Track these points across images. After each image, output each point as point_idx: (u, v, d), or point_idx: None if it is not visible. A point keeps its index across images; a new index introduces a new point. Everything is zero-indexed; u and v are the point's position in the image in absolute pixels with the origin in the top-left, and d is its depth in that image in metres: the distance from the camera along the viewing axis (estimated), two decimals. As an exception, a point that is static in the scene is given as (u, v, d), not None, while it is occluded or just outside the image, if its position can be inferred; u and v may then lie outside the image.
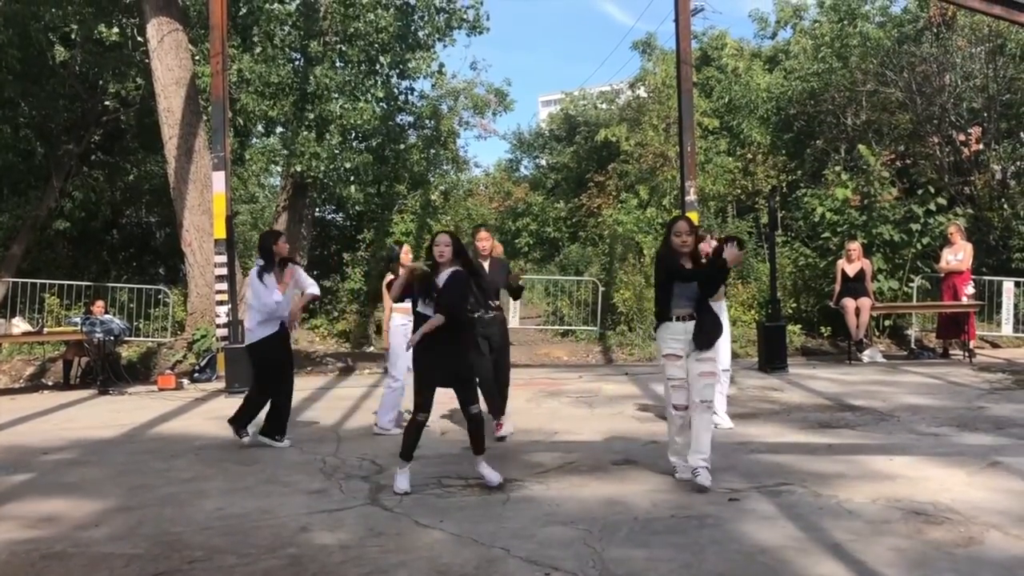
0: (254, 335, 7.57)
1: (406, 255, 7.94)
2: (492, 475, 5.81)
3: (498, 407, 7.55)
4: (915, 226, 14.38)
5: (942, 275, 13.50)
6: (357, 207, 19.98)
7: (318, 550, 4.61)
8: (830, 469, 6.04)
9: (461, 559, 4.38)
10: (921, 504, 5.09)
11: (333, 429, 8.25)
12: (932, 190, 14.77)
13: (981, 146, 17.58)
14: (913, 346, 14.00)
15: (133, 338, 14.89)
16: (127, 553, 4.64)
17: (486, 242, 7.56)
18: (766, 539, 4.54)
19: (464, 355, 5.97)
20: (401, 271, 6.09)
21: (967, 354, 12.74)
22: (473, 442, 5.89)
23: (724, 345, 7.36)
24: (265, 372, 7.60)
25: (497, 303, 7.61)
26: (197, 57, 16.16)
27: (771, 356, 11.85)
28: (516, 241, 25.42)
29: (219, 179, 11.66)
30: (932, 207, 14.48)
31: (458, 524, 4.97)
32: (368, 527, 4.99)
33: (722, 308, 7.55)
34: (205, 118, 14.76)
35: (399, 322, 7.78)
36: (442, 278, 5.77)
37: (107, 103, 18.24)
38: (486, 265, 7.52)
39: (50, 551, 4.70)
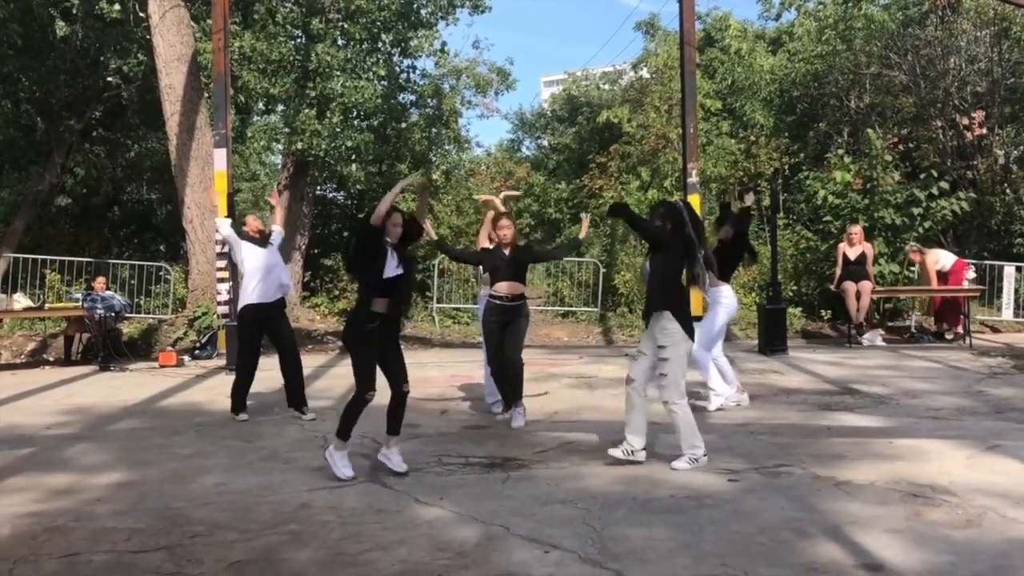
0: (250, 297, 7.83)
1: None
2: (399, 463, 5.63)
3: (506, 395, 7.48)
4: (917, 210, 14.36)
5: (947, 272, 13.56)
6: (358, 186, 19.90)
7: (319, 526, 4.63)
8: (829, 451, 6.07)
9: (461, 536, 4.40)
10: (920, 487, 5.11)
11: (334, 407, 8.25)
12: (935, 174, 14.73)
13: (984, 130, 17.51)
14: (913, 330, 14.02)
15: (134, 315, 14.89)
16: (129, 527, 4.66)
17: (508, 231, 7.42)
18: (765, 520, 4.56)
19: (396, 332, 5.86)
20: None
21: (960, 336, 12.81)
22: (390, 420, 5.73)
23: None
24: (247, 339, 7.91)
25: (522, 291, 7.52)
26: (199, 34, 16.08)
27: (771, 339, 11.88)
28: (517, 221, 25.32)
29: (220, 156, 11.62)
30: (934, 191, 14.45)
31: (458, 502, 4.99)
32: (368, 504, 5.01)
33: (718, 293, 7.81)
34: (206, 95, 14.70)
35: (482, 293, 7.98)
36: None
37: (108, 79, 18.15)
38: (506, 253, 7.44)
39: (52, 524, 4.73)
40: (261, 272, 7.82)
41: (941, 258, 13.51)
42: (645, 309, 6.00)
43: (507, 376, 7.39)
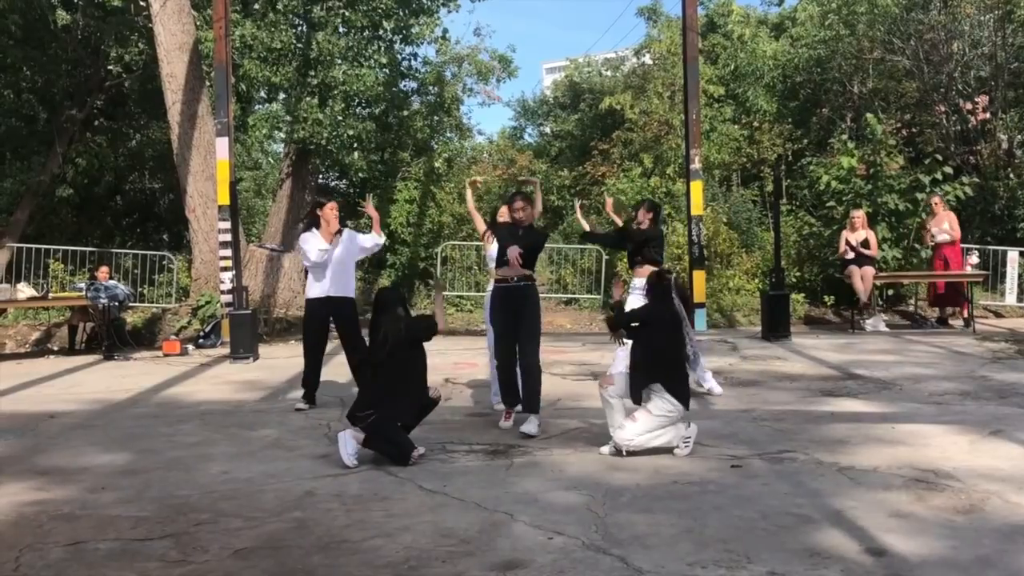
0: (308, 292, 7.86)
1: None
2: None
3: (522, 397, 6.94)
4: (921, 195, 14.31)
5: (931, 247, 13.52)
6: (360, 174, 19.91)
7: (323, 514, 4.65)
8: (832, 436, 6.07)
9: (465, 523, 4.42)
10: (923, 471, 5.11)
11: (337, 394, 8.29)
12: (939, 159, 14.69)
13: (988, 115, 17.45)
14: (916, 315, 14.01)
15: (138, 304, 14.93)
16: (134, 515, 4.68)
17: (523, 212, 6.98)
18: (768, 505, 4.57)
19: None
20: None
21: (964, 321, 12.80)
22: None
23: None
24: (309, 332, 7.88)
25: (530, 272, 7.12)
26: (199, 22, 16.04)
27: (774, 325, 11.86)
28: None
29: (222, 145, 11.62)
30: (938, 176, 14.41)
31: (462, 489, 5.00)
32: (373, 491, 5.02)
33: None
34: (208, 84, 14.68)
35: (489, 288, 7.55)
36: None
37: (110, 68, 18.14)
38: (518, 234, 7.00)
39: (58, 513, 4.75)
40: (325, 265, 7.66)
41: (955, 224, 13.37)
42: (633, 387, 5.73)
43: (525, 383, 6.94)
